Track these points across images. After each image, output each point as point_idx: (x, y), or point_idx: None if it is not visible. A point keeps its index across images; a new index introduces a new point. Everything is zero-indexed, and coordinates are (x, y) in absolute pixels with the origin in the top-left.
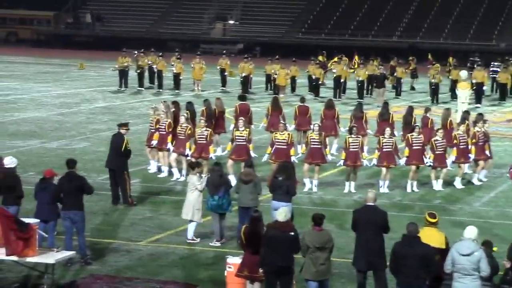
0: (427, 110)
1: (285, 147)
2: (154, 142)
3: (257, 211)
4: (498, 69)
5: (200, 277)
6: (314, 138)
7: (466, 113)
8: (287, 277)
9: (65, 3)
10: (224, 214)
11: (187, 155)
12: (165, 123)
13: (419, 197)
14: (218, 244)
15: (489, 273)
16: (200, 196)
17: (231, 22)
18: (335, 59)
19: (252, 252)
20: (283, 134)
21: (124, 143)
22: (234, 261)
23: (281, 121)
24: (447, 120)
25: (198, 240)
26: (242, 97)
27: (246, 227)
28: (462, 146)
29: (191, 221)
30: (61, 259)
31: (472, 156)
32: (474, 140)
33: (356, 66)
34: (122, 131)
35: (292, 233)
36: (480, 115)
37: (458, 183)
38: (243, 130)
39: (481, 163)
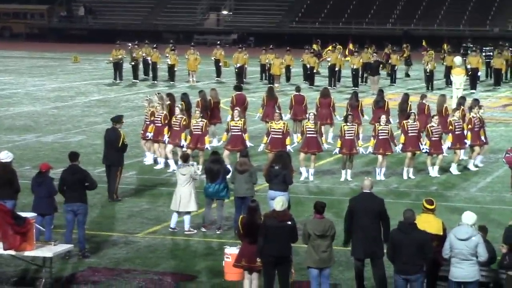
0: (423, 96)
1: (280, 136)
2: (150, 134)
3: (254, 201)
4: (491, 54)
5: (198, 268)
6: (309, 127)
7: (462, 99)
8: (285, 266)
9: None
10: (222, 201)
11: (183, 146)
12: (161, 115)
13: (415, 184)
14: (204, 230)
15: (486, 258)
16: (194, 186)
17: (225, 12)
18: (330, 47)
19: (250, 242)
20: (279, 123)
21: (122, 138)
22: (231, 251)
23: (277, 111)
24: (443, 106)
25: (196, 231)
26: (238, 88)
27: (243, 217)
28: (457, 132)
29: (187, 212)
30: (58, 252)
31: (468, 142)
32: (469, 126)
33: (348, 54)
34: (117, 125)
35: (290, 222)
36: (476, 100)
37: (454, 169)
38: (238, 120)
39: (476, 148)
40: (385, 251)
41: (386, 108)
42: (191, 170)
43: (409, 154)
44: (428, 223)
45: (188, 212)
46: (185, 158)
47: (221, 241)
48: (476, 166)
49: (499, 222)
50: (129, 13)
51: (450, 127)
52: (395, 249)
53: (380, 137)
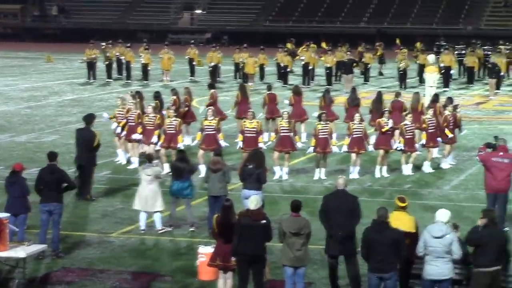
0: (398, 94)
1: (254, 135)
2: (137, 136)
3: (228, 199)
4: (463, 52)
5: (173, 267)
6: (283, 126)
7: (435, 96)
8: (259, 265)
9: None
10: (188, 199)
11: (156, 143)
12: (134, 114)
13: (389, 182)
14: (170, 229)
15: (460, 256)
16: (159, 185)
17: (198, 11)
18: (304, 46)
19: (224, 241)
20: (252, 122)
21: (97, 139)
22: (206, 250)
23: (250, 109)
24: (417, 103)
25: (170, 228)
26: (211, 86)
27: (218, 216)
28: (430, 130)
29: (155, 212)
30: (32, 253)
31: (439, 139)
32: (445, 124)
33: (321, 53)
34: (90, 125)
35: (264, 221)
36: (449, 99)
37: (426, 167)
38: (212, 119)
39: (447, 147)
40: (358, 249)
41: (359, 106)
42: (156, 170)
43: (381, 152)
44: (400, 221)
45: (157, 211)
46: (150, 158)
47: (195, 240)
48: (450, 164)
49: (472, 220)
50: (102, 13)
51: (424, 125)
52: (369, 247)
53: (354, 136)
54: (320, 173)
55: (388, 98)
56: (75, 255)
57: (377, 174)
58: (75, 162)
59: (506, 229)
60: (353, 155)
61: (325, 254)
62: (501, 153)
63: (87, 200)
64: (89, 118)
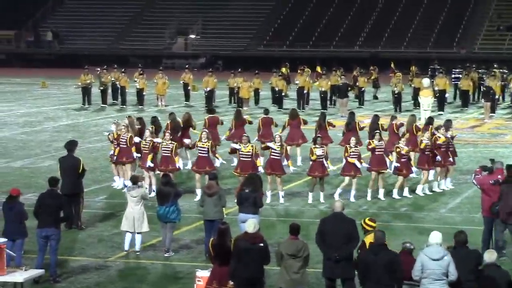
0: (393, 118)
1: (250, 159)
2: (149, 163)
3: (224, 223)
4: (460, 76)
5: None
6: (274, 149)
7: (430, 119)
8: None
9: (25, 22)
10: (173, 224)
11: (149, 167)
12: (126, 138)
13: (385, 206)
14: (166, 255)
15: (456, 277)
16: (144, 207)
17: (192, 36)
18: (299, 71)
19: (220, 264)
20: (247, 146)
21: (81, 165)
22: (203, 274)
23: (244, 134)
24: (412, 125)
25: (173, 253)
26: (210, 111)
27: (214, 239)
28: (426, 153)
29: (138, 233)
30: (29, 277)
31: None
32: (436, 147)
33: (316, 77)
34: (73, 152)
35: (262, 244)
36: (448, 121)
37: (419, 191)
38: (205, 142)
39: (438, 169)
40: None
41: (357, 130)
42: (141, 191)
43: (373, 174)
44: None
45: (139, 233)
46: (135, 180)
47: (192, 265)
48: (444, 187)
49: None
50: (96, 38)
51: (421, 146)
52: (365, 270)
53: (350, 159)
54: (320, 197)
55: (384, 121)
56: (72, 279)
57: (368, 197)
58: (61, 191)
59: (503, 251)
60: (346, 179)
61: (322, 277)
62: (499, 176)
63: (79, 229)
64: (71, 145)
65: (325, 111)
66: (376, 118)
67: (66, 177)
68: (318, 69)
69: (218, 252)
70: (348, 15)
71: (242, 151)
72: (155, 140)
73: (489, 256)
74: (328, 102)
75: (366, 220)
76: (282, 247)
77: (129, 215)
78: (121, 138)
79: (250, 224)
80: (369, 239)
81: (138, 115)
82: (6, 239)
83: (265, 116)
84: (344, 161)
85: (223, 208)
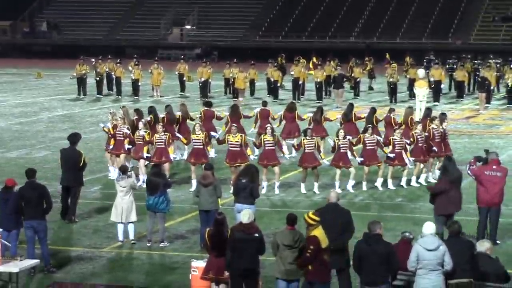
0: (391, 110)
1: (238, 149)
2: (145, 154)
3: (221, 213)
4: (454, 66)
5: (165, 281)
6: (268, 140)
7: (428, 110)
8: (252, 279)
9: (21, 12)
10: (163, 214)
11: (147, 157)
12: (123, 129)
13: (380, 196)
14: (149, 244)
15: (452, 266)
16: (133, 196)
17: (188, 27)
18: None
19: (217, 254)
20: (236, 136)
21: (83, 158)
22: (198, 264)
23: (233, 125)
24: (409, 117)
25: (168, 244)
26: (207, 103)
27: (210, 229)
28: (420, 144)
29: (129, 222)
30: (25, 267)
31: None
32: (430, 138)
33: (312, 68)
34: (75, 145)
35: (257, 235)
36: (443, 114)
37: (414, 181)
38: (199, 134)
39: (431, 160)
40: (351, 262)
41: (354, 121)
42: (130, 181)
43: (366, 169)
44: (322, 235)
45: (131, 222)
46: (124, 170)
47: (187, 255)
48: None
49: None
50: (92, 29)
51: (411, 139)
52: (361, 260)
53: (341, 151)
54: (314, 187)
55: (380, 113)
56: (67, 270)
57: (364, 188)
58: (61, 183)
59: (498, 242)
60: (338, 170)
61: None
62: (494, 167)
63: (71, 222)
64: (74, 138)
65: (321, 102)
66: (372, 110)
67: (66, 170)
68: (314, 59)
69: (214, 243)
70: (343, 6)
71: (230, 141)
72: (141, 133)
73: (481, 245)
74: (324, 93)
75: (310, 214)
76: (278, 237)
77: (118, 205)
78: (118, 130)
79: (245, 214)
80: (313, 233)
81: (133, 105)
82: (1, 230)
83: (263, 107)
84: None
85: (218, 199)
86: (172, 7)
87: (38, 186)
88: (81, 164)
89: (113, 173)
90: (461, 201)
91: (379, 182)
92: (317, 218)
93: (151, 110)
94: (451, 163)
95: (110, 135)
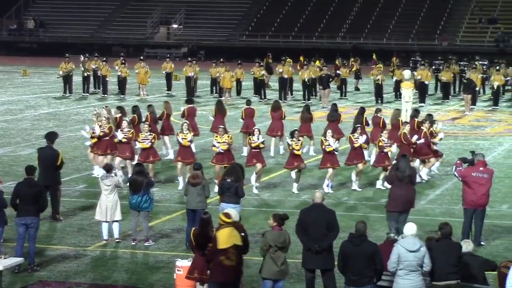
0: (378, 110)
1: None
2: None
3: (206, 213)
4: (440, 67)
5: (150, 280)
6: (255, 141)
7: (416, 111)
8: (237, 278)
9: (7, 10)
10: (147, 212)
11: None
12: (105, 128)
13: (365, 197)
14: (133, 243)
15: (431, 268)
16: (118, 195)
17: (175, 26)
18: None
19: (202, 254)
20: (223, 137)
21: (60, 157)
22: (183, 263)
23: (220, 126)
24: (397, 119)
25: (153, 243)
26: (189, 101)
27: (196, 229)
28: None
29: (114, 221)
30: (9, 265)
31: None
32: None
33: (299, 68)
34: (52, 143)
35: (243, 234)
36: (429, 115)
37: None
38: (187, 133)
39: (432, 160)
40: (336, 262)
41: (339, 121)
42: (114, 180)
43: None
44: (235, 237)
45: (116, 221)
46: (108, 169)
47: (172, 254)
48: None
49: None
50: (79, 27)
51: (402, 140)
52: (345, 260)
53: (327, 151)
54: (294, 187)
55: (368, 113)
56: (51, 268)
57: (354, 186)
58: (40, 183)
59: (482, 243)
60: (330, 170)
61: (302, 268)
62: (481, 168)
63: (56, 220)
64: (52, 136)
65: (309, 102)
66: (361, 110)
67: (44, 169)
68: (301, 59)
69: (200, 242)
70: (330, 6)
71: (218, 142)
72: (119, 137)
73: (466, 246)
74: (310, 93)
75: (221, 214)
76: (270, 238)
77: (103, 204)
78: (101, 130)
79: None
80: (221, 233)
81: (119, 104)
82: None
83: (247, 107)
84: (323, 153)
85: (206, 199)
86: (159, 6)
87: (36, 185)
88: (58, 163)
89: (98, 171)
90: (414, 198)
91: (355, 184)
92: (225, 219)
93: (135, 110)
94: (404, 161)
95: (93, 136)
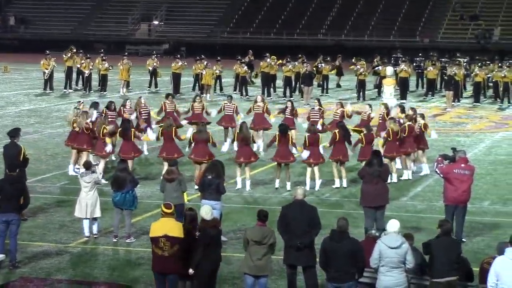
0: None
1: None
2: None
3: (192, 209)
4: (422, 64)
5: (131, 277)
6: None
7: (401, 108)
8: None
9: None
10: (130, 210)
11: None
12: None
13: (347, 194)
14: (115, 240)
15: (414, 265)
16: (97, 192)
17: (156, 22)
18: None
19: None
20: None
21: (22, 152)
22: None
23: (202, 121)
24: (383, 114)
25: (134, 239)
26: (168, 96)
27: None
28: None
29: (93, 218)
30: None
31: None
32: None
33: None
34: (16, 139)
35: (220, 228)
36: (413, 109)
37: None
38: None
39: (403, 157)
40: (317, 259)
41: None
42: (94, 177)
43: (334, 164)
44: (168, 227)
45: (95, 218)
46: (88, 166)
47: None
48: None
49: (430, 230)
50: (60, 23)
51: (385, 135)
52: (327, 257)
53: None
54: (277, 183)
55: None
56: (33, 265)
57: (337, 184)
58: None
59: (464, 240)
60: (309, 168)
61: (283, 265)
62: (462, 165)
63: (23, 219)
64: (14, 132)
65: (291, 98)
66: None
67: (9, 165)
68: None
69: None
70: (312, 3)
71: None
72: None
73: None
74: (293, 90)
75: (162, 206)
76: (248, 233)
77: (82, 201)
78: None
79: (206, 211)
80: (154, 223)
81: (100, 100)
82: None
83: (227, 102)
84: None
85: (185, 194)
86: (140, 2)
87: (18, 181)
88: (20, 159)
89: (71, 168)
90: (387, 194)
91: (337, 182)
92: (164, 210)
93: (109, 105)
94: (375, 157)
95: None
